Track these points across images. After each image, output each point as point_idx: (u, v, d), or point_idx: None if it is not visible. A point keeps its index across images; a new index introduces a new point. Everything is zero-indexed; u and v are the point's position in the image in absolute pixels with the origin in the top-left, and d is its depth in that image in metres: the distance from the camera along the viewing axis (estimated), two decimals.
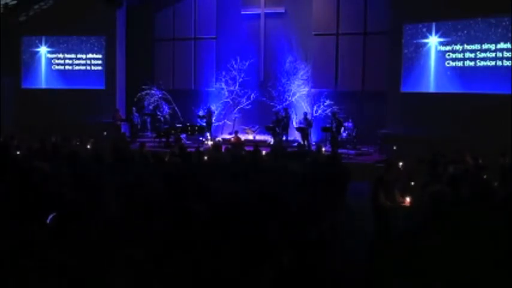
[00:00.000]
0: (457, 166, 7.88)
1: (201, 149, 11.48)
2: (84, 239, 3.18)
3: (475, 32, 13.05)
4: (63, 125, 14.78)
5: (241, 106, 16.77)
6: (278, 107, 15.85)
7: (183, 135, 15.36)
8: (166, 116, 17.39)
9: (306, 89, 16.20)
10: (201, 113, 16.85)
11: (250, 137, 15.75)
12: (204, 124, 16.39)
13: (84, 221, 3.45)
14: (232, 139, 14.86)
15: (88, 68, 17.90)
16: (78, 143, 11.92)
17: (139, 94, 17.35)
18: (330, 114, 14.99)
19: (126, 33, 17.95)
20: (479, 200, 4.28)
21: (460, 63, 13.37)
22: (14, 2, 16.61)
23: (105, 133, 15.21)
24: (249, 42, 16.98)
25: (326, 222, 4.04)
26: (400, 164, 8.72)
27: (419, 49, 14.01)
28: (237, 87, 16.80)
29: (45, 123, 15.04)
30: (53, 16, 16.91)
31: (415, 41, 14.10)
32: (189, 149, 10.16)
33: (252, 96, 16.64)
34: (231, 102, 16.91)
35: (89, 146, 11.70)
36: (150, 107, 17.54)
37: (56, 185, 4.64)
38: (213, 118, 16.64)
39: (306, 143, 14.50)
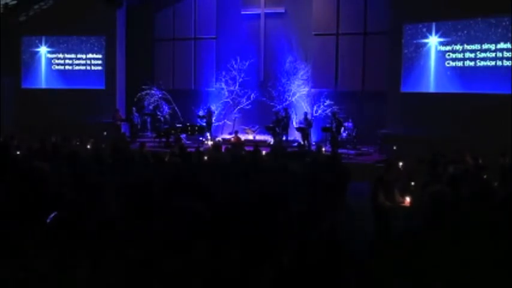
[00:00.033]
0: (457, 166, 7.88)
1: (201, 149, 11.48)
2: (84, 239, 3.17)
3: (475, 32, 13.05)
4: (63, 125, 14.79)
5: (241, 106, 16.78)
6: (278, 107, 15.86)
7: (183, 135, 15.36)
8: (166, 116, 17.40)
9: (306, 89, 16.21)
10: (201, 113, 16.86)
11: (250, 137, 15.75)
12: (204, 124, 16.40)
13: (84, 221, 3.45)
14: (232, 139, 14.87)
15: (88, 68, 17.91)
16: (78, 143, 11.92)
17: (139, 94, 17.36)
18: (330, 114, 14.99)
19: (126, 33, 17.95)
20: (479, 200, 4.28)
21: (460, 63, 13.37)
22: (14, 2, 16.61)
23: (105, 133, 15.21)
24: (249, 42, 16.98)
25: (326, 222, 4.04)
26: (400, 164, 8.72)
27: (419, 49, 14.01)
28: (237, 87, 16.80)
29: (45, 123, 15.05)
30: (53, 16, 16.92)
31: (415, 41, 14.10)
32: (189, 149, 10.17)
33: (252, 96, 16.64)
34: (231, 102, 16.92)
35: (89, 146, 11.70)
36: (150, 107, 17.55)
37: (56, 185, 4.64)
38: (213, 118, 16.65)
39: (306, 143, 14.50)
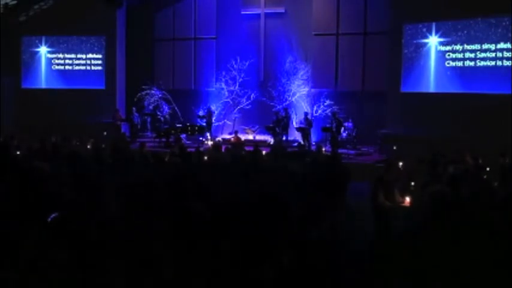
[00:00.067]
0: (457, 166, 7.87)
1: (201, 149, 11.48)
2: (84, 239, 3.17)
3: (475, 32, 13.05)
4: (63, 125, 14.79)
5: (241, 106, 16.78)
6: (278, 107, 15.86)
7: (183, 135, 15.36)
8: (166, 116, 17.40)
9: (306, 89, 16.21)
10: (201, 113, 16.86)
11: (250, 137, 15.75)
12: (204, 124, 16.40)
13: (84, 221, 3.45)
14: (232, 139, 14.87)
15: (88, 68, 17.91)
16: (78, 143, 11.92)
17: (139, 94, 17.36)
18: (330, 114, 15.00)
19: (126, 33, 17.95)
20: (479, 200, 4.28)
21: (460, 63, 13.37)
22: (14, 2, 16.61)
23: (105, 133, 15.21)
24: (249, 42, 16.98)
25: (326, 222, 4.04)
26: (400, 164, 8.72)
27: (419, 49, 14.01)
28: (237, 87, 16.80)
29: (45, 123, 15.04)
30: (53, 16, 16.91)
31: (415, 41, 14.10)
32: (189, 149, 10.16)
33: (252, 96, 16.65)
34: (231, 102, 16.92)
35: (89, 146, 11.69)
36: (150, 107, 17.55)
37: (56, 185, 4.64)
38: (213, 118, 16.65)
39: (306, 143, 14.50)
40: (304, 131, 14.76)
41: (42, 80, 18.07)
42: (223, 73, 16.97)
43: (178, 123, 16.43)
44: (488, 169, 8.59)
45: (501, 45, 12.62)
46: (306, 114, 15.18)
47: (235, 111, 16.84)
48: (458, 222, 3.40)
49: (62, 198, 4.07)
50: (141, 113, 17.36)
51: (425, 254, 2.90)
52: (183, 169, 7.48)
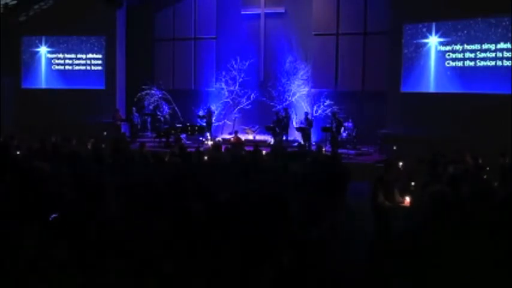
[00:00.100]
0: (457, 166, 7.88)
1: (201, 149, 11.48)
2: (84, 239, 3.17)
3: (475, 32, 13.05)
4: (63, 125, 14.79)
5: (241, 106, 16.78)
6: (278, 107, 15.86)
7: (183, 135, 15.36)
8: (166, 116, 17.40)
9: (306, 89, 16.21)
10: (201, 113, 16.86)
11: (250, 137, 15.75)
12: (204, 124, 16.40)
13: (84, 221, 3.45)
14: (232, 139, 14.86)
15: (88, 68, 17.91)
16: (78, 143, 11.91)
17: (139, 94, 17.36)
18: (330, 114, 15.00)
19: (126, 33, 17.95)
20: (479, 200, 4.28)
21: (460, 63, 13.37)
22: (14, 2, 16.62)
23: (105, 133, 15.21)
24: (249, 42, 16.98)
25: (326, 222, 4.04)
26: (400, 164, 8.72)
27: (419, 49, 14.01)
28: (237, 87, 16.80)
29: (45, 123, 15.04)
30: (53, 16, 16.92)
31: (415, 41, 14.10)
32: (189, 149, 10.16)
33: (252, 96, 16.65)
34: (231, 102, 16.92)
35: (89, 146, 11.69)
36: (150, 107, 17.55)
37: (56, 185, 4.64)
38: (213, 118, 16.65)
39: (306, 143, 14.50)
40: (305, 131, 14.76)
41: (42, 80, 18.07)
42: (223, 73, 16.97)
43: (178, 123, 16.43)
44: (488, 169, 8.59)
45: (501, 45, 12.62)
46: (306, 114, 15.17)
47: (235, 111, 16.84)
48: (458, 222, 3.40)
49: (62, 198, 4.07)
50: (141, 113, 17.36)
51: (425, 254, 2.90)
52: (183, 169, 7.48)
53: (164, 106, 17.46)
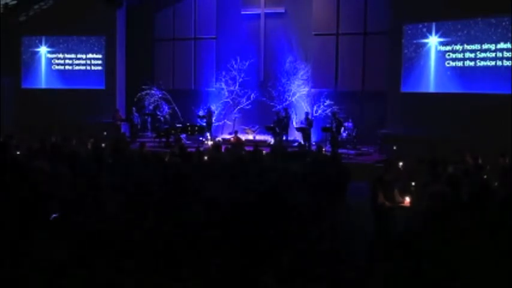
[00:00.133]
0: (457, 166, 7.88)
1: (201, 149, 11.47)
2: (84, 239, 3.17)
3: (475, 32, 13.04)
4: (63, 125, 14.77)
5: (241, 106, 16.77)
6: (278, 107, 15.86)
7: (183, 135, 15.35)
8: (166, 116, 17.40)
9: (306, 89, 16.21)
10: (201, 113, 16.86)
11: (250, 137, 15.75)
12: (204, 124, 16.39)
13: (84, 221, 3.45)
14: (232, 139, 14.86)
15: (88, 68, 17.91)
16: (78, 143, 11.90)
17: (139, 94, 17.36)
18: (330, 114, 15.00)
19: (126, 33, 17.95)
20: (479, 200, 4.28)
21: (460, 63, 13.37)
22: (14, 2, 16.62)
23: (105, 133, 15.21)
24: (249, 42, 16.98)
25: (326, 222, 4.04)
26: (400, 164, 8.72)
27: (419, 49, 14.01)
28: (237, 87, 16.80)
29: (45, 123, 15.03)
30: (53, 16, 16.92)
31: (415, 41, 14.10)
32: (189, 149, 10.15)
33: (252, 96, 16.64)
34: (231, 102, 16.92)
35: (89, 146, 11.68)
36: (150, 107, 17.55)
37: (56, 185, 4.64)
38: (213, 118, 16.64)
39: (306, 143, 14.50)
40: (305, 131, 14.76)
41: (42, 80, 18.07)
42: (223, 73, 16.97)
43: (178, 123, 16.42)
44: (488, 169, 8.59)
45: (501, 45, 12.62)
46: (306, 114, 15.17)
47: (235, 111, 16.83)
48: (458, 222, 3.40)
49: (62, 198, 4.07)
50: (141, 113, 17.36)
51: (425, 254, 2.90)
52: (183, 169, 7.47)
53: (164, 106, 17.46)
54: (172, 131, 15.41)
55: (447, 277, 2.76)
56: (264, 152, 10.24)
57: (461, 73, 13.32)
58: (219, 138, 16.19)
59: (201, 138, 16.05)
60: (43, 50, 17.97)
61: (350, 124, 15.10)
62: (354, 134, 15.08)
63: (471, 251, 2.87)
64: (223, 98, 17.05)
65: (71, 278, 2.83)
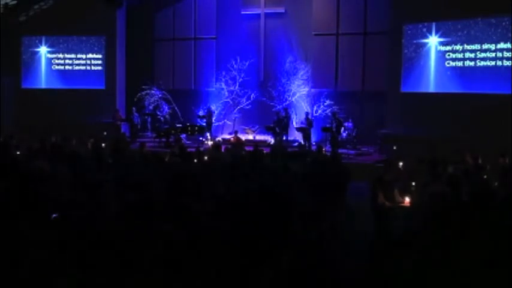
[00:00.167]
0: (457, 166, 7.88)
1: (201, 149, 11.47)
2: (84, 239, 3.17)
3: (475, 32, 13.04)
4: (63, 125, 14.78)
5: (241, 106, 16.78)
6: (278, 107, 15.86)
7: (183, 135, 15.35)
8: (166, 116, 17.40)
9: (306, 89, 16.21)
10: (201, 113, 16.86)
11: (250, 137, 15.75)
12: (204, 124, 16.39)
13: (84, 221, 3.45)
14: (232, 139, 14.86)
15: (88, 68, 17.91)
16: (78, 143, 11.90)
17: (139, 94, 17.36)
18: (330, 114, 15.00)
19: (126, 33, 17.95)
20: (479, 200, 4.28)
21: (460, 63, 13.37)
22: (14, 2, 16.62)
23: (105, 133, 15.21)
24: (249, 42, 16.98)
25: (326, 222, 4.04)
26: (400, 164, 8.72)
27: (419, 49, 14.01)
28: (237, 87, 16.80)
29: (45, 123, 15.04)
30: (53, 16, 16.92)
31: (415, 41, 14.10)
32: (189, 149, 10.16)
33: (252, 96, 16.65)
34: (231, 102, 16.92)
35: (89, 146, 11.68)
36: (150, 107, 17.55)
37: (56, 185, 4.64)
38: (213, 118, 16.65)
39: (306, 143, 14.50)
40: (305, 131, 14.76)
41: (42, 80, 18.07)
42: (223, 73, 16.97)
43: (178, 123, 16.42)
44: (488, 169, 8.59)
45: (501, 45, 12.62)
46: (307, 114, 15.17)
47: (235, 111, 16.84)
48: (458, 222, 3.40)
49: (62, 198, 4.07)
50: (141, 113, 17.36)
51: (425, 254, 2.90)
52: (183, 169, 7.47)
53: (164, 106, 17.46)
54: (172, 131, 15.41)
55: (447, 277, 2.76)
56: (264, 152, 10.25)
57: (461, 73, 13.32)
58: (219, 138, 16.19)
59: (201, 138, 16.05)
60: (43, 50, 17.97)
61: (350, 124, 15.10)
62: (354, 134, 15.08)
63: (471, 251, 2.87)
64: (223, 98, 17.05)
65: (70, 279, 2.83)
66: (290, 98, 16.13)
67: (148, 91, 17.34)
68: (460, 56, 13.35)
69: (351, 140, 14.97)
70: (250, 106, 16.69)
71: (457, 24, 13.30)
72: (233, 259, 2.96)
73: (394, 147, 12.89)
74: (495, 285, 2.71)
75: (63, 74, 17.96)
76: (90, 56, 17.83)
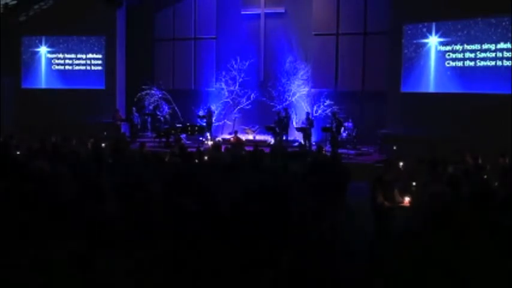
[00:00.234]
0: (457, 166, 7.88)
1: (201, 149, 11.48)
2: (84, 239, 3.18)
3: (475, 32, 13.04)
4: (63, 125, 14.78)
5: (241, 106, 16.78)
6: (278, 107, 15.86)
7: (183, 135, 15.35)
8: (166, 116, 17.40)
9: (306, 89, 16.21)
10: (201, 113, 16.86)
11: (250, 137, 15.75)
12: (204, 124, 16.39)
13: (84, 221, 3.45)
14: (232, 139, 14.86)
15: (88, 68, 17.91)
16: (78, 143, 11.90)
17: (139, 94, 17.36)
18: (330, 114, 15.00)
19: (126, 33, 17.95)
20: (479, 200, 4.28)
21: (460, 63, 13.37)
22: (14, 2, 16.62)
23: (105, 133, 15.20)
24: (249, 42, 16.98)
25: (326, 222, 4.03)
26: (400, 164, 8.72)
27: (419, 49, 14.01)
28: (237, 87, 16.80)
29: (45, 123, 15.04)
30: (53, 16, 16.92)
31: (415, 41, 14.10)
32: (189, 149, 10.16)
33: (252, 96, 16.64)
34: (231, 102, 16.92)
35: (89, 146, 11.68)
36: (150, 107, 17.55)
37: (56, 185, 4.64)
38: (213, 118, 16.65)
39: (307, 143, 14.51)
40: (305, 131, 14.76)
41: (42, 80, 18.07)
42: (223, 73, 16.97)
43: (178, 123, 16.43)
44: (488, 169, 8.59)
45: (501, 45, 12.62)
46: (307, 114, 15.17)
47: (235, 111, 16.84)
48: (458, 222, 3.40)
49: (62, 198, 4.07)
50: (141, 113, 17.37)
51: (425, 254, 2.90)
52: (183, 169, 7.47)
53: (164, 106, 17.46)
54: (172, 131, 15.41)
55: (447, 277, 2.76)
56: (264, 152, 10.25)
57: (461, 73, 13.32)
58: (219, 138, 16.19)
59: (201, 138, 16.05)
60: (43, 50, 17.97)
61: (350, 124, 15.10)
62: (354, 134, 15.08)
63: (471, 251, 2.87)
64: (223, 98, 17.05)
65: (71, 278, 2.83)
66: (290, 98, 16.13)
67: (148, 91, 17.34)
68: (460, 56, 13.36)
69: (351, 140, 14.98)
70: (250, 106, 16.69)
71: (457, 24, 13.30)
72: (233, 259, 2.96)
73: (394, 147, 12.89)
74: (495, 285, 2.71)
75: (63, 74, 17.96)
76: (90, 56, 17.83)
